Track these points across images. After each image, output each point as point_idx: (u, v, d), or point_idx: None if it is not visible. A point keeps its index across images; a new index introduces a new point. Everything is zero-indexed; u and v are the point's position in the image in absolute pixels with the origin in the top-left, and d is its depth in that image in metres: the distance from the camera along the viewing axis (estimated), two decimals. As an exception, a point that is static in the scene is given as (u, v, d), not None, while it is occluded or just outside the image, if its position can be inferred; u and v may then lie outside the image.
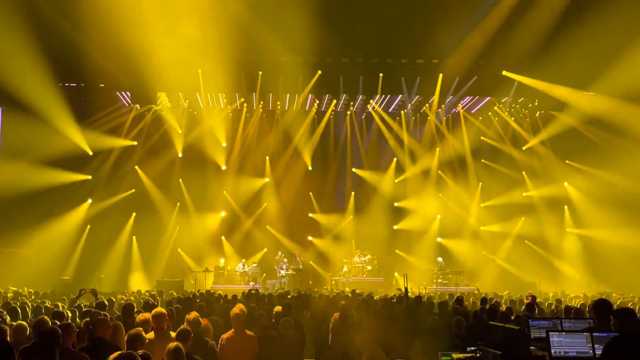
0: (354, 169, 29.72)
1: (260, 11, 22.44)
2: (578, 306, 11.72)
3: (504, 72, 25.79)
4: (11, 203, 24.85)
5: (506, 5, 22.83)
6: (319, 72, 25.57)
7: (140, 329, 7.25)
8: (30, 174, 24.77)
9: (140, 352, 6.06)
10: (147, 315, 8.23)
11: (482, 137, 29.17)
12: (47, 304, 12.34)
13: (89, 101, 27.24)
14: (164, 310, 8.08)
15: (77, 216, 26.71)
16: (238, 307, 8.88)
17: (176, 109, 29.02)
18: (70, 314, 10.22)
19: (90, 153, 26.74)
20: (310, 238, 28.76)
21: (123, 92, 27.43)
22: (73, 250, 26.32)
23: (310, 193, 29.11)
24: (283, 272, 26.25)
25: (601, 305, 7.64)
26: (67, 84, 26.68)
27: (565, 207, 27.65)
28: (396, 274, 27.35)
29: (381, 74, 25.74)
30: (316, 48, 24.26)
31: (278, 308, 10.60)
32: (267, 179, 29.18)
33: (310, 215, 28.94)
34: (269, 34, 23.21)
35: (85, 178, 26.94)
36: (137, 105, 28.02)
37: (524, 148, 28.65)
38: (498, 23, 23.08)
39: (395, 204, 29.21)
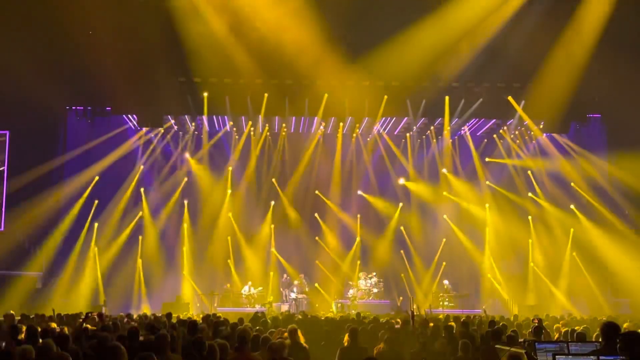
0: (359, 192, 29.67)
1: (265, 33, 22.65)
2: (581, 329, 11.63)
3: (509, 98, 25.92)
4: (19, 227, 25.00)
5: (512, 27, 23.00)
6: (326, 95, 25.68)
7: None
8: (37, 197, 24.89)
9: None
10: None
11: (487, 159, 29.19)
12: (52, 325, 12.32)
13: (96, 124, 27.38)
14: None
15: (83, 239, 26.73)
16: (242, 330, 8.89)
17: (183, 132, 29.15)
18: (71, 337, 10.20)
19: (97, 177, 26.80)
20: (316, 261, 28.65)
21: (130, 115, 27.53)
22: (80, 273, 26.33)
23: (316, 214, 29.08)
24: (294, 295, 26.21)
25: (609, 328, 7.63)
26: (74, 107, 26.88)
27: (572, 229, 27.53)
28: (401, 297, 27.28)
29: (385, 96, 25.77)
30: (322, 71, 24.42)
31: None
32: (272, 202, 29.17)
33: (316, 238, 28.86)
34: (275, 57, 23.38)
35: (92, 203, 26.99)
36: (144, 129, 28.10)
37: (529, 172, 28.65)
38: (505, 45, 23.23)
39: (402, 227, 29.14)
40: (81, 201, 26.70)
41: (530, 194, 28.64)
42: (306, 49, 22.57)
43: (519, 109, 26.26)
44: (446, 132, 28.76)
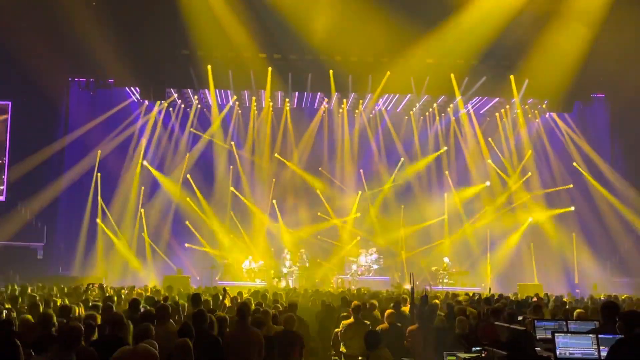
0: (361, 170, 29.60)
1: (274, 8, 22.59)
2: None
3: (511, 77, 25.81)
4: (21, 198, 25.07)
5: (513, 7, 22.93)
6: (331, 71, 25.58)
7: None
8: (39, 167, 24.92)
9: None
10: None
11: (490, 139, 29.06)
12: (54, 298, 12.38)
13: (98, 96, 27.31)
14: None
15: (85, 211, 26.78)
16: (241, 303, 8.95)
17: (185, 106, 29.05)
18: (77, 309, 10.25)
19: (99, 152, 26.79)
20: (318, 236, 28.68)
21: (132, 88, 27.42)
22: (82, 245, 26.41)
23: (318, 191, 29.04)
24: (285, 270, 26.28)
25: (608, 307, 7.66)
26: (76, 79, 26.78)
27: (572, 207, 27.57)
28: (399, 273, 27.40)
29: (388, 72, 25.63)
30: (325, 46, 24.33)
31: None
32: (274, 178, 29.15)
33: (318, 213, 28.86)
34: (280, 31, 23.33)
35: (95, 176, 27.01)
36: (147, 102, 27.99)
37: (530, 152, 28.59)
38: (507, 24, 23.14)
39: (402, 206, 29.09)
40: (83, 173, 26.70)
41: (529, 174, 28.63)
42: (312, 23, 22.55)
43: (515, 92, 26.13)
44: (448, 109, 28.64)
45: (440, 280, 26.16)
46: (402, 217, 28.71)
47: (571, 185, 27.67)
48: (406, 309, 12.12)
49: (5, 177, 25.49)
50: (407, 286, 21.21)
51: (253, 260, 26.69)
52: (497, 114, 29.28)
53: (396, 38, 23.23)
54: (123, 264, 26.76)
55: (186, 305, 10.96)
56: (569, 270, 27.32)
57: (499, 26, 23.13)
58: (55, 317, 7.96)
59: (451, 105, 28.51)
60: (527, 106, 28.45)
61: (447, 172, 29.33)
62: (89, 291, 15.27)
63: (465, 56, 25.18)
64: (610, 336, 6.90)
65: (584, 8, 22.71)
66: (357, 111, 29.59)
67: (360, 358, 9.59)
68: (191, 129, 28.73)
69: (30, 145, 24.75)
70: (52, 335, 6.80)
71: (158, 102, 27.94)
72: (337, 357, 10.56)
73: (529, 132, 28.99)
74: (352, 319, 10.31)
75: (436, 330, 9.82)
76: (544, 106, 28.07)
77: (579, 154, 27.91)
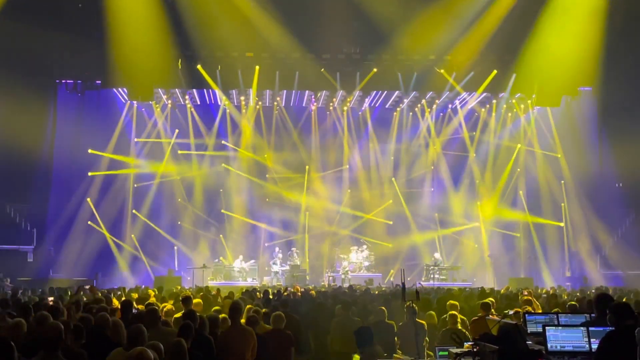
0: (347, 166, 29.61)
1: (258, 6, 22.60)
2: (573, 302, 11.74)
3: (494, 72, 25.86)
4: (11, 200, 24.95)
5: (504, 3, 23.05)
6: (322, 69, 25.58)
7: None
8: (27, 169, 24.80)
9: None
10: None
11: (475, 134, 29.13)
12: (46, 300, 12.33)
13: (86, 97, 27.18)
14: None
15: (75, 213, 26.65)
16: (234, 302, 8.95)
17: (173, 106, 28.91)
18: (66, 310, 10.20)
19: (90, 151, 26.66)
20: (307, 234, 28.68)
21: (120, 89, 27.27)
22: (72, 247, 26.29)
23: (306, 189, 29.04)
24: (276, 268, 26.25)
25: (601, 300, 7.70)
26: (64, 80, 26.61)
27: (562, 204, 27.71)
28: (392, 270, 27.44)
29: (375, 69, 25.67)
30: (314, 44, 24.34)
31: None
32: (267, 175, 29.17)
33: (307, 212, 28.86)
34: (266, 29, 23.32)
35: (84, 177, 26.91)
36: (135, 102, 27.85)
37: (518, 146, 28.68)
38: (496, 20, 23.23)
39: (391, 201, 29.14)
40: (72, 175, 26.61)
41: (518, 170, 28.75)
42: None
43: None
44: (435, 105, 28.73)
45: (432, 276, 26.19)
46: (397, 211, 28.91)
47: (562, 182, 27.85)
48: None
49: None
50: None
51: (244, 260, 26.70)
52: (483, 110, 29.27)
53: (382, 34, 23.32)
54: (114, 266, 26.69)
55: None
56: (559, 263, 27.47)
57: (487, 22, 23.26)
58: (50, 318, 7.91)
59: (437, 102, 28.50)
60: (514, 101, 28.46)
61: (433, 167, 29.37)
62: (80, 293, 15.22)
63: (452, 52, 25.21)
64: (601, 329, 6.94)
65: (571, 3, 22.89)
66: (344, 108, 29.53)
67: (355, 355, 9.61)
68: (177, 129, 28.63)
69: (18, 148, 24.56)
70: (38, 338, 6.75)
71: (147, 102, 27.79)
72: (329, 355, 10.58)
73: (517, 126, 29.08)
74: (344, 316, 10.36)
75: (427, 327, 9.86)
76: (529, 102, 28.08)
77: (567, 147, 27.99)
